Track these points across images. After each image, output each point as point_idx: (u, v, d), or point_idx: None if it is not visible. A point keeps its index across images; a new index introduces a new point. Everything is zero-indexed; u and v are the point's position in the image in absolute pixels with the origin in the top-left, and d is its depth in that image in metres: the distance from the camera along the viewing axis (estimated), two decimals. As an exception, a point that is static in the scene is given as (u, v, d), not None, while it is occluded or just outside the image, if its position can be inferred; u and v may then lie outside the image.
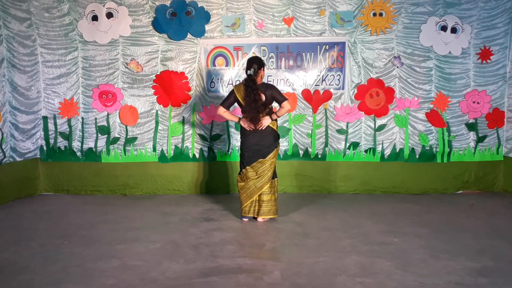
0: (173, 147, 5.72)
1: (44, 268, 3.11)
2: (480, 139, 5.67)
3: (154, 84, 5.63)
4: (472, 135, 5.68)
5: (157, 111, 5.68)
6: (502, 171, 5.72)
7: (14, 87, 5.28)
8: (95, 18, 5.53)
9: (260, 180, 4.25)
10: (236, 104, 4.37)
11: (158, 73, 5.61)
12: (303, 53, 5.61)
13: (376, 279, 2.87)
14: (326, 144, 5.69)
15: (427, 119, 5.63)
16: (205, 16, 5.53)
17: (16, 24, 5.26)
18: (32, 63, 5.50)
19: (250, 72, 4.20)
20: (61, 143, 5.71)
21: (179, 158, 5.71)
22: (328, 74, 5.62)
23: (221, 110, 4.31)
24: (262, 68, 4.27)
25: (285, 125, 5.68)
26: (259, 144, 4.25)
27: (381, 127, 5.65)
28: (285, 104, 4.16)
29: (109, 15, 5.53)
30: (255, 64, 4.22)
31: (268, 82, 4.36)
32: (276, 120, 4.29)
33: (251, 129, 4.23)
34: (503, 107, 5.66)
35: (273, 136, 4.29)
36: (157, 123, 5.69)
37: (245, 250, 3.47)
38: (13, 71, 5.26)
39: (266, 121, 4.19)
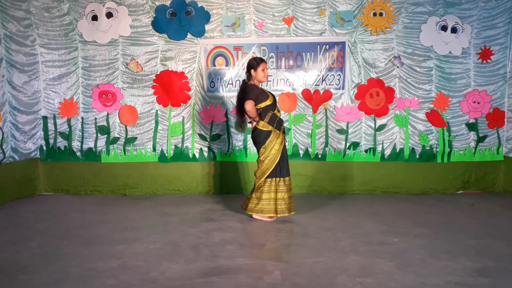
0: (173, 147, 5.71)
1: (44, 268, 3.11)
2: (480, 139, 5.66)
3: (154, 84, 5.63)
4: (472, 135, 5.67)
5: (156, 111, 5.68)
6: (502, 171, 5.71)
7: (14, 87, 5.28)
8: (95, 18, 5.52)
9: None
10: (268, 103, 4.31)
11: (158, 73, 5.61)
12: (303, 53, 5.60)
13: (376, 279, 2.87)
14: (326, 144, 5.69)
15: (427, 119, 5.63)
16: (205, 16, 5.52)
17: (15, 24, 5.25)
18: (31, 62, 5.49)
19: (244, 77, 4.40)
20: (61, 143, 5.70)
21: (179, 158, 5.71)
22: (328, 74, 5.62)
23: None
24: (251, 70, 4.25)
25: (285, 125, 5.67)
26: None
27: (381, 127, 5.65)
28: (245, 103, 4.14)
29: (109, 15, 5.53)
30: (246, 68, 4.34)
31: (254, 84, 4.26)
32: (257, 122, 4.22)
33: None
34: (503, 107, 5.66)
35: (254, 136, 4.33)
36: (156, 123, 5.68)
37: (245, 250, 3.47)
38: (12, 71, 5.25)
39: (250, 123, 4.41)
